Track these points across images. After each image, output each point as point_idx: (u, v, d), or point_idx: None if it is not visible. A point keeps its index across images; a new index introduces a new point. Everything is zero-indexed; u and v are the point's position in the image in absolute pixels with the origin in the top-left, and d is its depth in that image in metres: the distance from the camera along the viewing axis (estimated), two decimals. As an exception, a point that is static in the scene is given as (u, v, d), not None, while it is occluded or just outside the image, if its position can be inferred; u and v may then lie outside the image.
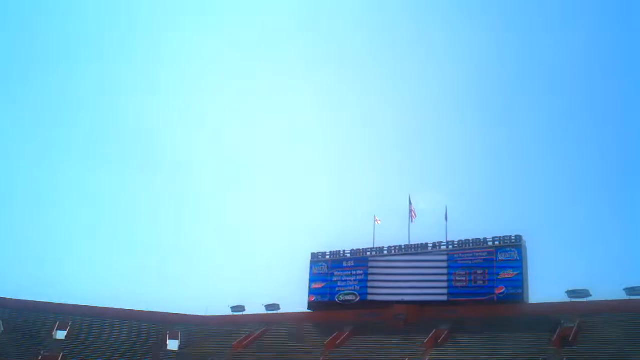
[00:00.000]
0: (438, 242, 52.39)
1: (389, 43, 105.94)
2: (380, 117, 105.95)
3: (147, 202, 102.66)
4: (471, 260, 50.15)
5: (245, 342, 53.64)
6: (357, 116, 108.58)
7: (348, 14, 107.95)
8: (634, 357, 38.18)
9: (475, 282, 49.61)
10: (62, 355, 50.29)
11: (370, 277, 53.87)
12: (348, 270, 55.10)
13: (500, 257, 49.03)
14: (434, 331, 46.96)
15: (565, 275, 64.88)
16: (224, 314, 59.60)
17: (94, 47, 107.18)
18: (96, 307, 58.38)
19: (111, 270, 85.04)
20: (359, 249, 55.39)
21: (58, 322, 55.53)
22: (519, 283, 48.05)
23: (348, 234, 60.73)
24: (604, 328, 43.23)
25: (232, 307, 59.29)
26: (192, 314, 60.33)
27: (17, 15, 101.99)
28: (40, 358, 49.25)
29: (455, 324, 47.81)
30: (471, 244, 50.74)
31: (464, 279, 50.06)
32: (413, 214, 55.12)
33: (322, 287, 55.90)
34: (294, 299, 57.34)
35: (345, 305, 54.27)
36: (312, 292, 56.14)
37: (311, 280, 56.43)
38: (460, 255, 50.81)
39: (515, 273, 48.21)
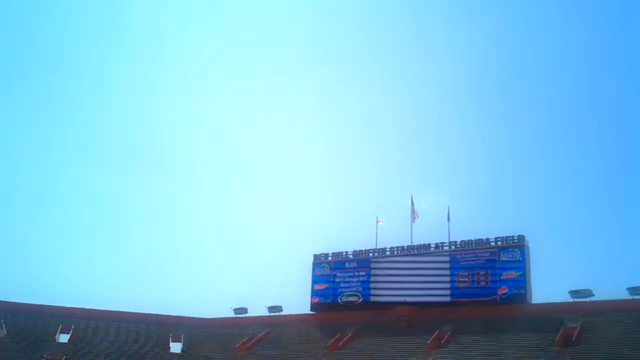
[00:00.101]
0: (440, 243, 52.33)
1: (389, 43, 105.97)
2: (380, 117, 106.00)
3: (147, 203, 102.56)
4: (474, 260, 50.08)
5: (248, 344, 53.66)
6: (357, 116, 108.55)
7: (348, 14, 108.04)
8: (638, 356, 38.15)
9: (478, 283, 49.54)
10: (65, 359, 50.33)
11: (372, 278, 53.85)
12: (350, 272, 55.05)
13: (503, 257, 48.94)
14: (436, 332, 46.95)
15: (568, 275, 64.79)
16: (226, 316, 59.63)
17: (94, 47, 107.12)
18: (99, 310, 58.18)
19: (112, 271, 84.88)
20: (361, 250, 55.32)
21: (61, 326, 55.33)
22: (521, 283, 47.95)
23: (350, 235, 60.88)
24: (607, 328, 43.19)
25: (234, 309, 59.31)
26: (194, 316, 60.27)
27: (17, 15, 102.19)
28: (43, 361, 49.31)
29: (458, 325, 47.78)
30: (473, 245, 50.68)
31: (466, 279, 49.99)
32: (415, 214, 55.10)
33: (325, 289, 55.86)
34: (297, 300, 57.28)
35: (348, 306, 54.26)
36: (314, 293, 56.09)
37: (314, 282, 56.37)
38: (463, 255, 50.74)
39: (518, 274, 48.12)
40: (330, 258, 56.60)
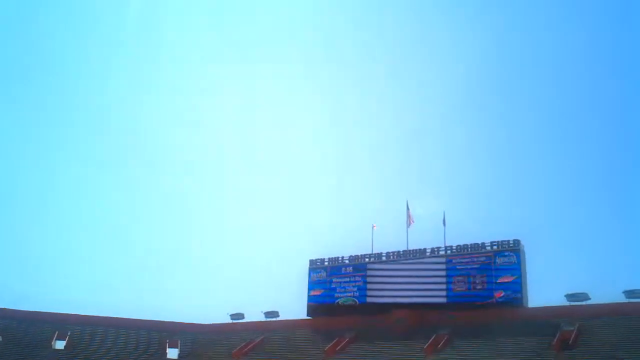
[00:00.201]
0: (436, 247, 52.37)
1: (389, 43, 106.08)
2: (379, 118, 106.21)
3: (147, 203, 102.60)
4: (470, 265, 50.19)
5: (245, 350, 53.59)
6: (356, 118, 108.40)
7: (348, 14, 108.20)
8: (634, 359, 38.23)
9: (474, 287, 49.61)
10: (61, 365, 50.30)
11: (369, 285, 53.88)
12: (347, 277, 55.08)
13: (499, 261, 49.08)
14: (433, 336, 46.95)
15: (564, 279, 64.64)
16: (223, 322, 59.55)
17: (94, 47, 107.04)
18: (95, 316, 58.08)
19: (109, 278, 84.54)
20: (358, 255, 55.35)
21: (57, 332, 55.20)
22: (517, 287, 48.04)
23: (346, 240, 60.61)
24: (603, 331, 43.27)
25: (231, 315, 59.26)
26: (191, 322, 60.16)
27: (17, 15, 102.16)
28: (39, 368, 49.19)
29: (455, 329, 47.79)
30: (469, 249, 50.78)
31: (462, 284, 50.09)
32: (410, 219, 55.16)
33: (321, 294, 55.87)
34: (293, 306, 57.23)
35: (345, 311, 54.24)
36: (311, 299, 56.12)
37: (310, 287, 56.37)
38: (459, 260, 50.81)
39: (514, 277, 48.22)
40: (326, 263, 56.62)
